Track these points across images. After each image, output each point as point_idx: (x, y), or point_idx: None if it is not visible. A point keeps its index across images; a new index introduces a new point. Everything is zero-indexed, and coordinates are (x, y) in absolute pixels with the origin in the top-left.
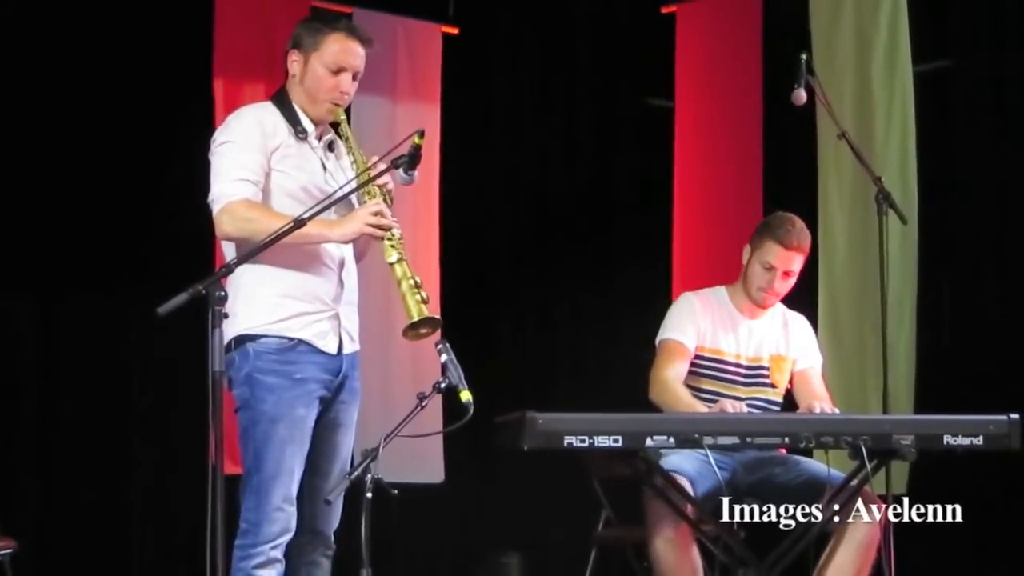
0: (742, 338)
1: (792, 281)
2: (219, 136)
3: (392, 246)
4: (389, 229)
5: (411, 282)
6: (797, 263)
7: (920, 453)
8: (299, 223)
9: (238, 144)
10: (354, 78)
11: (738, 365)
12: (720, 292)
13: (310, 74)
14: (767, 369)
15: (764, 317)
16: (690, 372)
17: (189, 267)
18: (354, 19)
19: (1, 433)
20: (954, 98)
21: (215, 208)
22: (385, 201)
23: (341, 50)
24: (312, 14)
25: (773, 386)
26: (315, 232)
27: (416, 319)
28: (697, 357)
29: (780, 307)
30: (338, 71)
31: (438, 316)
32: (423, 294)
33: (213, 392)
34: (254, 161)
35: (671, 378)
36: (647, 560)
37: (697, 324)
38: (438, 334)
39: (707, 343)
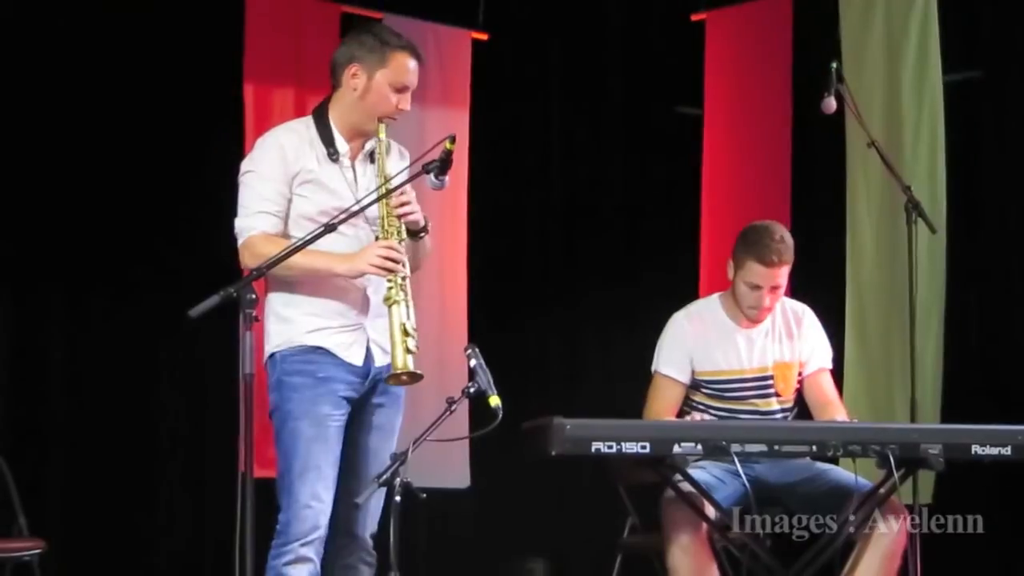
0: (742, 350)
1: (781, 292)
2: (244, 165)
3: (392, 287)
4: (394, 272)
5: (403, 329)
6: (783, 276)
7: (947, 463)
8: (329, 227)
9: (259, 174)
10: None
11: (743, 380)
12: (713, 304)
13: (375, 90)
14: (772, 378)
15: (763, 323)
16: (702, 393)
17: (217, 270)
18: (384, 24)
19: (30, 434)
20: (984, 108)
21: (239, 241)
22: (398, 235)
23: (408, 69)
24: (366, 27)
25: (778, 395)
26: (323, 266)
27: (399, 371)
28: (700, 381)
29: (780, 303)
30: (402, 89)
31: (421, 373)
32: (412, 344)
33: (245, 395)
34: (274, 191)
35: (658, 416)
36: (667, 568)
37: (688, 352)
38: (464, 341)
39: (705, 366)
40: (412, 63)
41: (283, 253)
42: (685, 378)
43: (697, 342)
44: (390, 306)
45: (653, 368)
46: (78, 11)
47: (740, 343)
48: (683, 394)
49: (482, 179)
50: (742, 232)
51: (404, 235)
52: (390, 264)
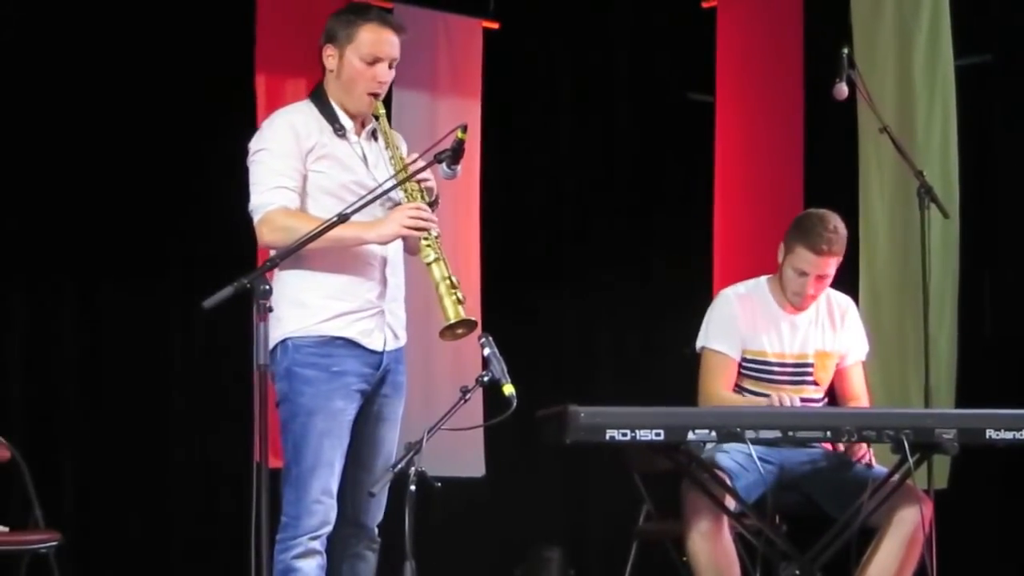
0: (785, 335)
1: (828, 282)
2: (254, 144)
3: (428, 246)
4: (426, 230)
5: (448, 282)
6: (831, 267)
7: (962, 447)
8: (343, 217)
9: (272, 151)
10: (390, 67)
11: (783, 364)
12: (761, 285)
13: (347, 67)
14: (811, 366)
15: (808, 310)
16: (738, 372)
17: (232, 260)
18: (394, 14)
19: (43, 427)
20: (995, 92)
21: (255, 218)
22: (423, 198)
23: (375, 40)
24: (344, 6)
25: (816, 383)
26: (351, 235)
27: (452, 321)
28: (741, 359)
29: (825, 293)
30: (374, 61)
31: (474, 318)
32: (460, 295)
33: (259, 386)
34: (289, 167)
35: (719, 394)
36: (687, 554)
37: (739, 329)
38: (479, 329)
39: (750, 345)
40: (384, 33)
41: (302, 240)
42: (737, 354)
43: (745, 320)
44: (430, 264)
45: (700, 345)
46: (91, 1)
47: (784, 328)
48: (736, 371)
49: (494, 168)
50: (797, 217)
51: (428, 198)
52: (422, 223)
